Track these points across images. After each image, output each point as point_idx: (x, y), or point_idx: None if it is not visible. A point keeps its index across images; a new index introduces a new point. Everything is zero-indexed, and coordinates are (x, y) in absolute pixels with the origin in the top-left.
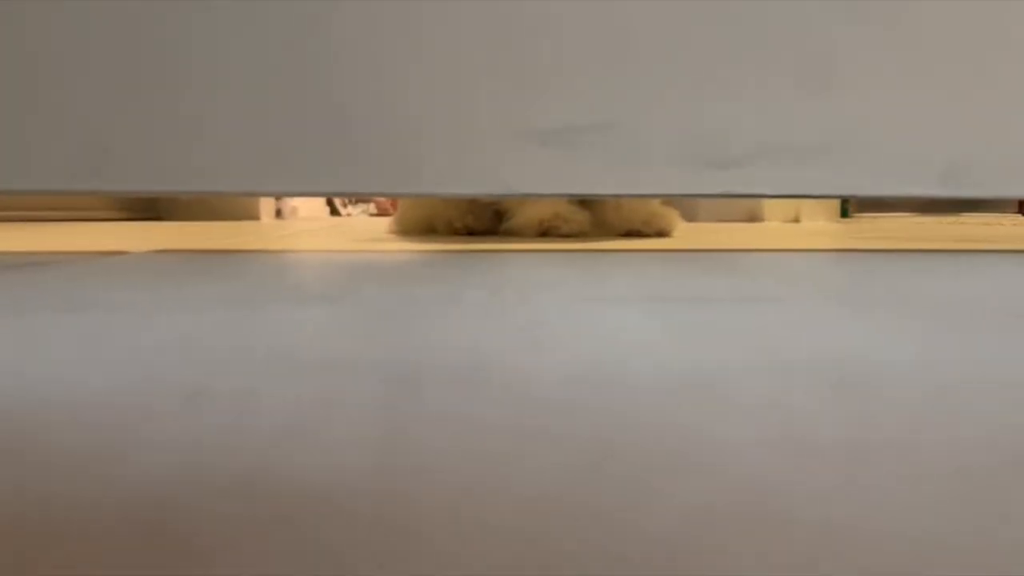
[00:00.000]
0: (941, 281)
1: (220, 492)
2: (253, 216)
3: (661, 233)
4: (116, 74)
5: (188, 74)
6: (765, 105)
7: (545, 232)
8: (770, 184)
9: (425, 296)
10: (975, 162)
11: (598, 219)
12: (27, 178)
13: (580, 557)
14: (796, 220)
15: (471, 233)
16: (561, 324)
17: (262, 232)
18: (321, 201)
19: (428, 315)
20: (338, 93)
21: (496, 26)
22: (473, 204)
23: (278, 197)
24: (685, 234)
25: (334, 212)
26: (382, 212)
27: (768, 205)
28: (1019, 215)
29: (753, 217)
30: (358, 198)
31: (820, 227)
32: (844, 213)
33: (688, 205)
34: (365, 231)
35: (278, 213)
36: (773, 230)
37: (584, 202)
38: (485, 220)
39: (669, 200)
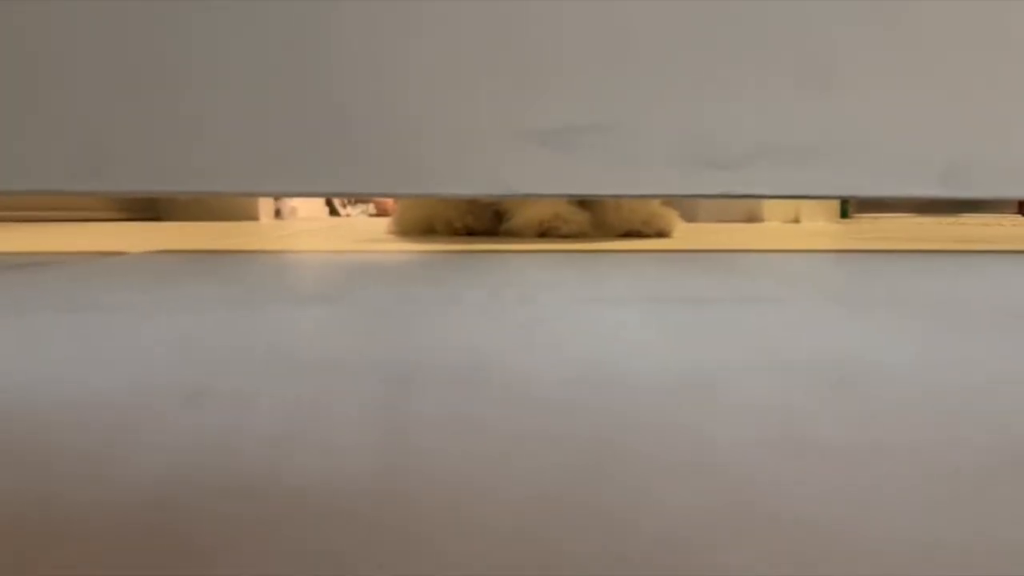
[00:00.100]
0: (941, 281)
1: (220, 492)
2: (252, 216)
3: (661, 233)
4: (115, 75)
5: (187, 74)
6: (765, 106)
7: (545, 232)
8: (770, 185)
9: (425, 296)
10: (975, 163)
11: (598, 219)
12: (27, 179)
13: (580, 557)
14: (796, 221)
15: (471, 233)
16: (561, 324)
17: (261, 232)
18: (320, 201)
19: (428, 315)
20: (337, 93)
21: (496, 26)
22: (473, 204)
23: (277, 197)
24: (685, 234)
25: (333, 212)
26: (381, 212)
27: (768, 206)
28: (1019, 216)
29: (753, 217)
30: (357, 198)
31: (820, 228)
32: (844, 214)
33: (688, 205)
34: (365, 231)
35: (277, 213)
36: (773, 230)
37: (584, 203)
38: (485, 220)
39: (669, 200)
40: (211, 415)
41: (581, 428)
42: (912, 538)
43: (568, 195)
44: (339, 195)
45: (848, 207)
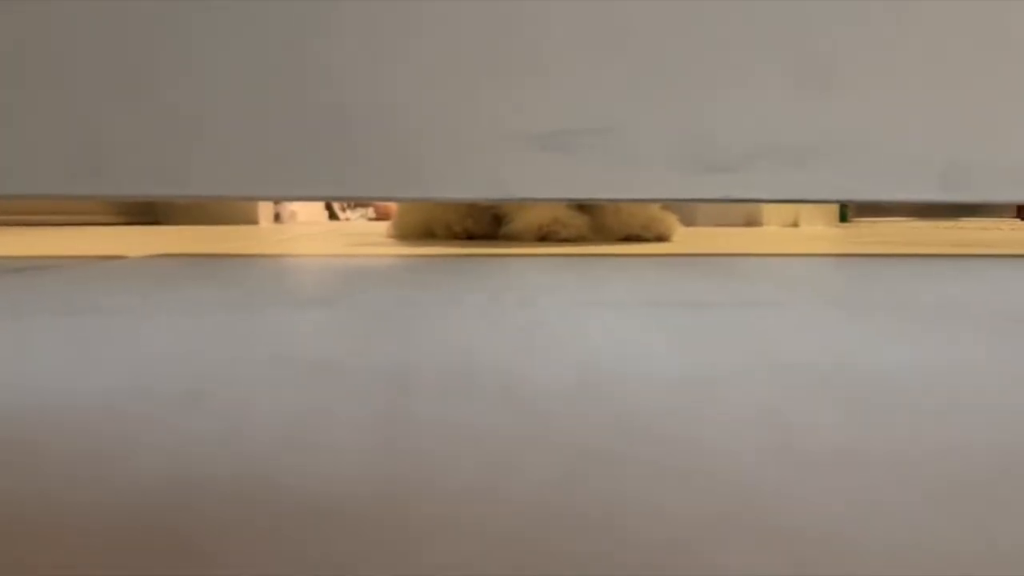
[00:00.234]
0: (939, 285)
1: (219, 495)
2: (251, 220)
3: (660, 237)
4: (115, 79)
5: (187, 79)
6: (764, 110)
7: (544, 236)
8: (769, 188)
9: (424, 299)
10: (974, 167)
11: (597, 223)
12: (27, 183)
13: (579, 564)
14: (795, 225)
15: (470, 237)
16: (561, 328)
17: (260, 236)
18: (320, 205)
19: (427, 318)
20: (337, 98)
21: (495, 32)
22: (472, 208)
23: (276, 201)
24: (684, 238)
25: (333, 216)
26: (381, 216)
27: (767, 209)
28: (1017, 220)
29: (752, 221)
30: (357, 202)
31: (819, 231)
32: (843, 217)
33: (687, 209)
34: (364, 235)
35: (276, 217)
36: (772, 234)
37: (583, 207)
38: (484, 224)
39: (668, 205)
40: (210, 418)
41: (580, 431)
42: (913, 543)
43: (567, 199)
44: (339, 199)
45: (847, 211)
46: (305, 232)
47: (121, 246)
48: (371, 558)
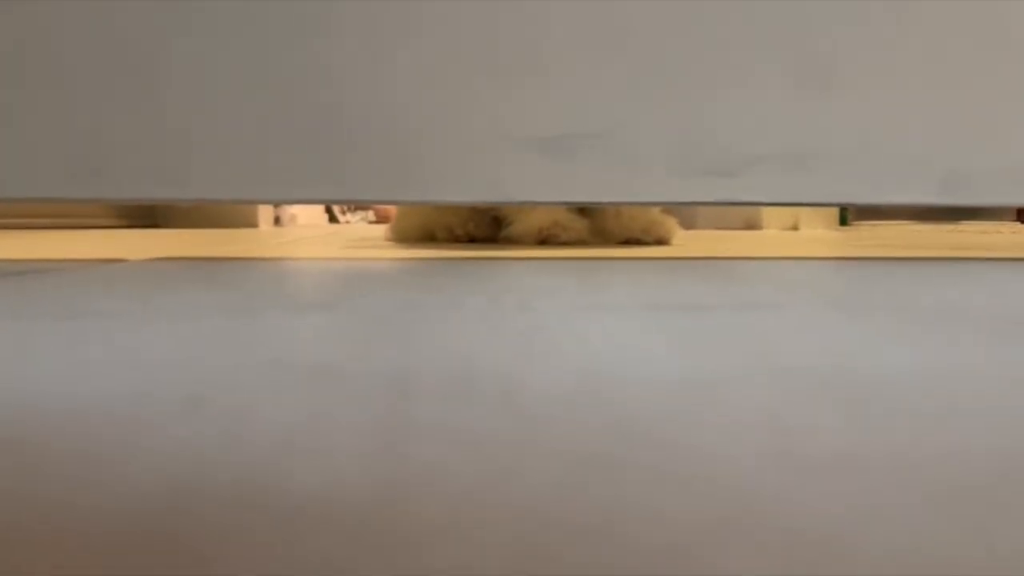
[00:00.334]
0: (940, 289)
1: (218, 499)
2: (251, 224)
3: (660, 241)
4: (115, 83)
5: (187, 82)
6: (764, 114)
7: (544, 240)
8: (768, 192)
9: (424, 303)
10: (974, 170)
11: (597, 227)
12: (27, 186)
13: (579, 569)
14: (795, 228)
15: (471, 240)
16: (561, 331)
17: (260, 239)
18: (320, 208)
19: (427, 322)
20: (337, 101)
21: (494, 33)
22: (472, 211)
23: (276, 205)
24: (684, 242)
25: (333, 219)
26: (381, 219)
27: (766, 213)
28: (1017, 223)
29: (751, 225)
30: (357, 205)
31: (819, 235)
32: (843, 221)
33: (687, 213)
34: (364, 238)
35: (276, 220)
36: (772, 238)
37: (583, 210)
38: (484, 227)
39: (668, 208)
40: (209, 422)
41: (580, 436)
42: (913, 546)
43: (567, 202)
44: (339, 202)
45: (847, 214)
46: (305, 235)
47: (121, 249)
48: (371, 563)
